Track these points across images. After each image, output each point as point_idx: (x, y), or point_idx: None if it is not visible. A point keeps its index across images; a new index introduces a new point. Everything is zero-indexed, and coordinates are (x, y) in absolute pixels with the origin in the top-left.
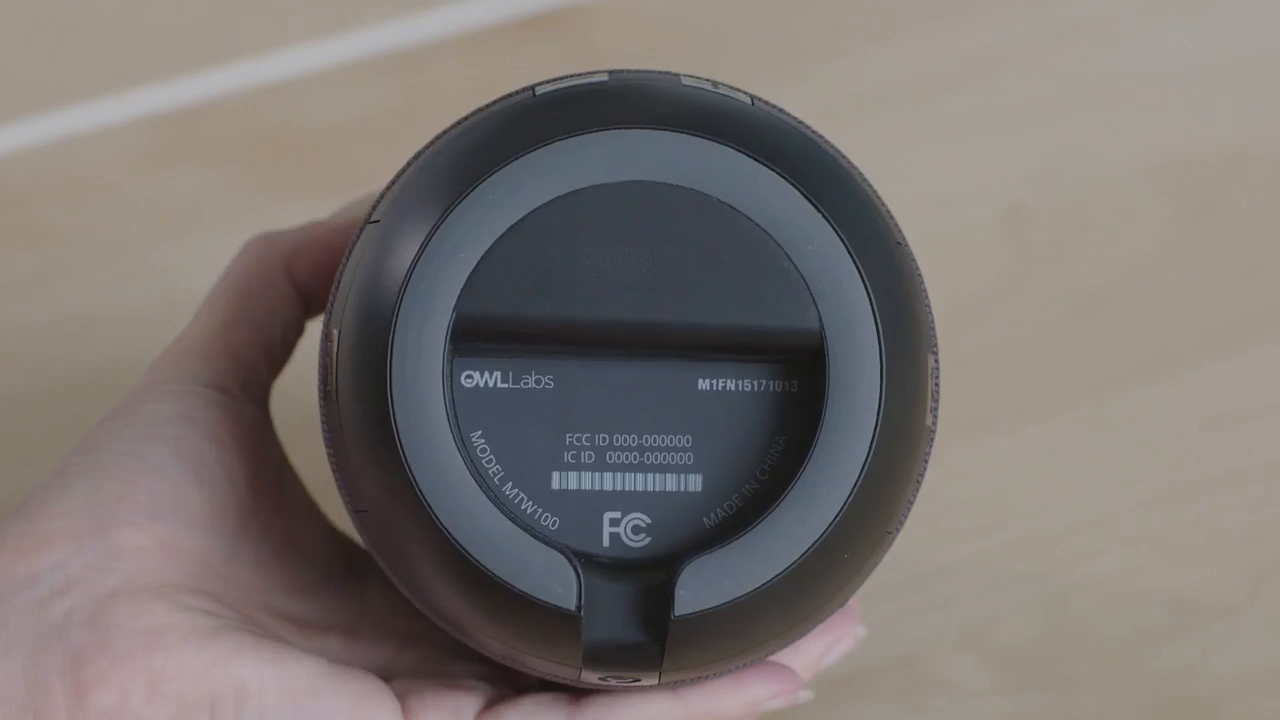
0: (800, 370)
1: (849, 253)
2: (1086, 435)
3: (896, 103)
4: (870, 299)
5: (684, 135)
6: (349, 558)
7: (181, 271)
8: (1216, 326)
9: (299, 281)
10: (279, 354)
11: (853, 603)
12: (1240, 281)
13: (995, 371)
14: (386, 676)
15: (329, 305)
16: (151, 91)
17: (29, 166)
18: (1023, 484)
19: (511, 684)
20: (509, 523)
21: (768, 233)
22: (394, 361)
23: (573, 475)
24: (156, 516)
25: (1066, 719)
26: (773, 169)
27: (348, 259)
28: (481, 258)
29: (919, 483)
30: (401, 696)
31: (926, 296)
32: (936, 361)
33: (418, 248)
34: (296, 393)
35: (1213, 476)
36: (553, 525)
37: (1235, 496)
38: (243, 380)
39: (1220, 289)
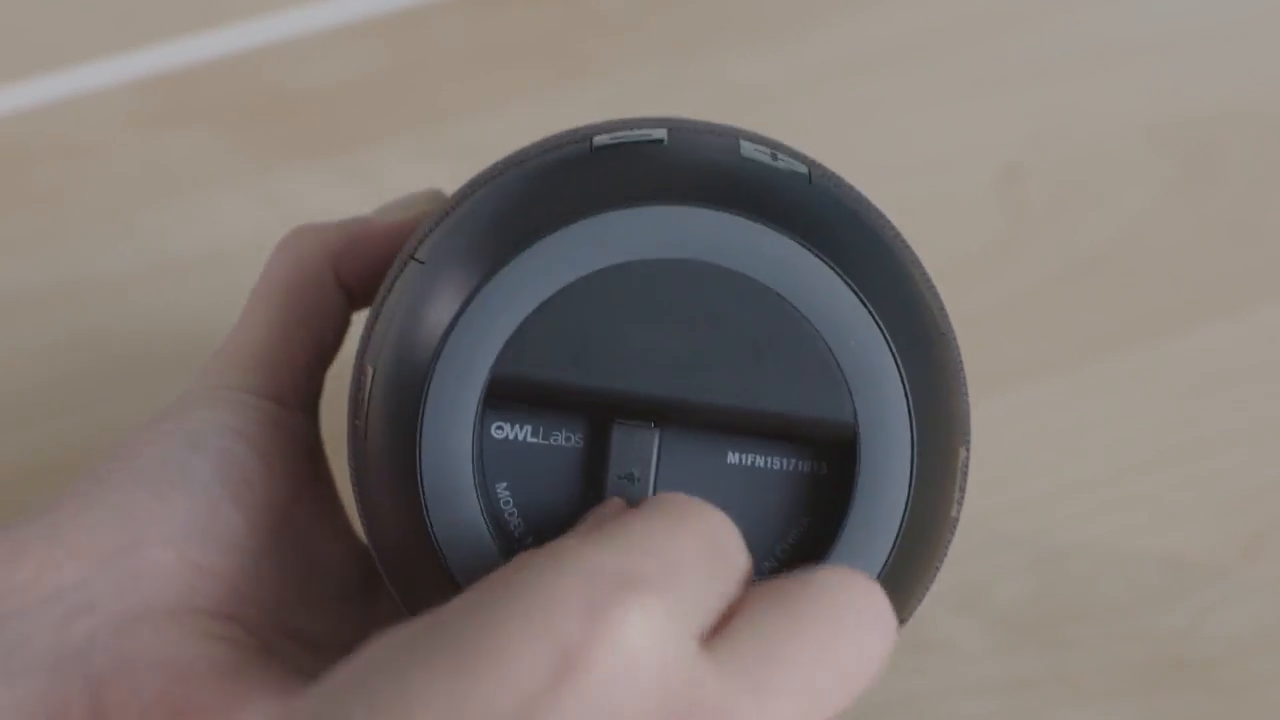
0: (831, 453)
1: (890, 348)
2: (1082, 396)
3: (893, 64)
4: (907, 395)
5: (735, 217)
6: (367, 574)
7: (174, 233)
8: (1211, 287)
9: (344, 280)
10: (329, 358)
11: None
12: (1235, 242)
13: (990, 333)
14: None
15: (366, 334)
16: (144, 53)
17: (21, 128)
18: (1019, 446)
19: None
20: None
21: (810, 321)
22: (426, 415)
23: None
24: (188, 536)
25: (1063, 680)
26: (822, 258)
27: (388, 292)
28: (523, 321)
29: (937, 571)
30: None
31: (965, 387)
32: (968, 451)
33: (461, 302)
34: (332, 394)
35: (1208, 437)
36: None
37: (1231, 458)
38: (300, 390)
39: (1215, 250)
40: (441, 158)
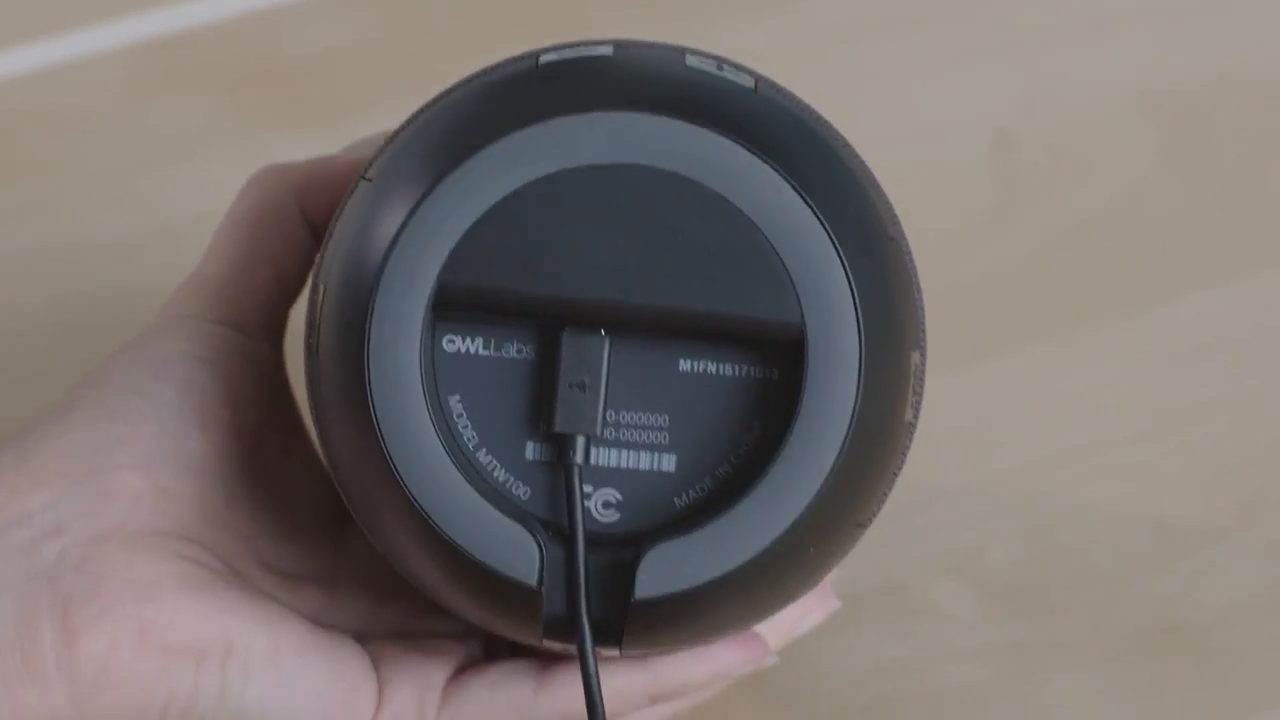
0: (782, 359)
1: (835, 248)
2: (1073, 363)
3: (884, 32)
4: (853, 295)
5: (679, 122)
6: (337, 503)
7: (167, 200)
8: (1202, 254)
9: (310, 217)
10: (294, 290)
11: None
12: (1226, 209)
13: (983, 299)
14: (363, 633)
15: (319, 258)
16: (137, 20)
17: (14, 96)
18: (1010, 412)
19: (484, 643)
20: (474, 493)
21: (755, 224)
22: (373, 324)
23: (547, 447)
24: (155, 461)
25: (1054, 646)
26: (765, 160)
27: (340, 214)
28: (469, 229)
29: (895, 476)
30: (376, 660)
31: (918, 290)
32: (922, 356)
33: (406, 213)
34: (300, 330)
35: (1200, 404)
36: (524, 495)
37: (1222, 424)
38: (262, 319)
39: (1206, 217)
40: None
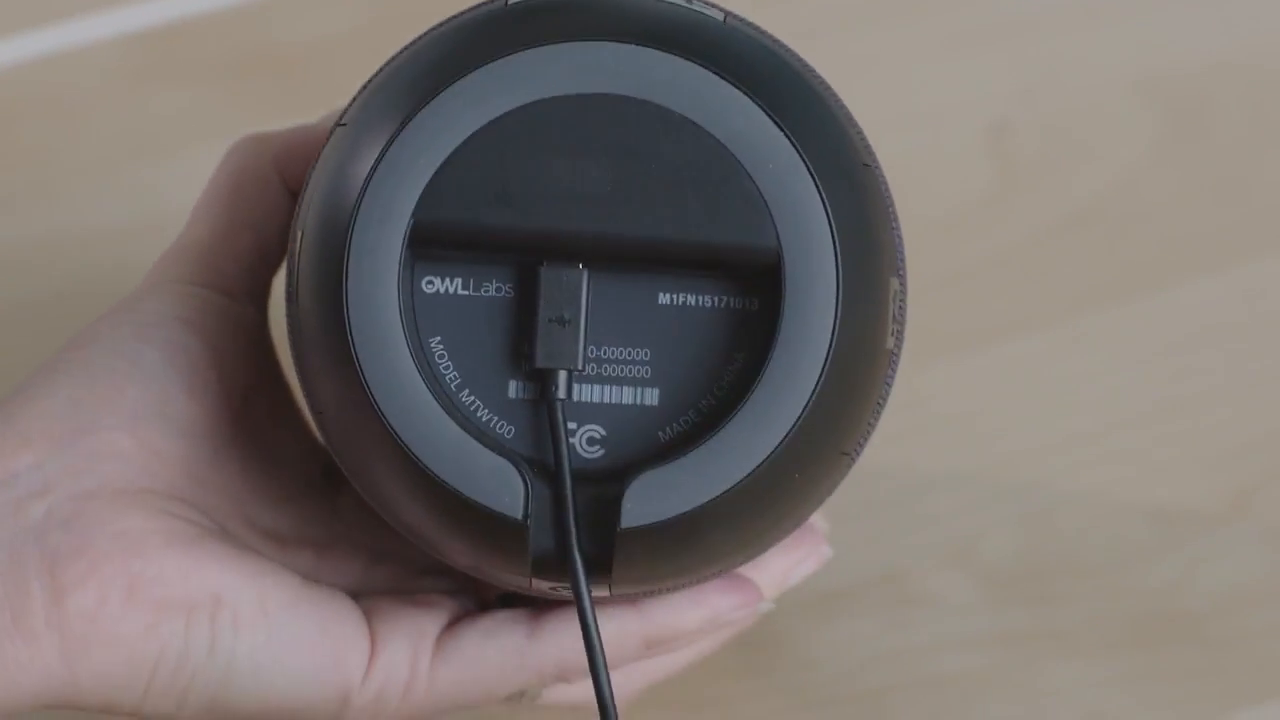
0: (760, 289)
1: (810, 173)
2: (1070, 351)
3: (881, 18)
4: (829, 220)
5: (649, 50)
6: (327, 466)
7: (160, 189)
8: (1200, 242)
9: (290, 184)
10: (275, 256)
11: (819, 524)
12: (1223, 196)
13: (979, 287)
14: (356, 593)
15: (297, 206)
16: (132, 8)
17: (7, 84)
18: (1007, 400)
19: (477, 599)
20: (459, 429)
21: (729, 150)
22: (350, 264)
23: (530, 385)
24: (142, 421)
25: (1051, 635)
26: (737, 86)
27: (316, 162)
28: (441, 165)
29: (880, 405)
30: (368, 614)
31: (895, 219)
32: (902, 284)
33: (378, 153)
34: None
35: (1197, 392)
36: (508, 434)
37: (1220, 412)
38: (246, 283)
39: (1203, 204)
40: None
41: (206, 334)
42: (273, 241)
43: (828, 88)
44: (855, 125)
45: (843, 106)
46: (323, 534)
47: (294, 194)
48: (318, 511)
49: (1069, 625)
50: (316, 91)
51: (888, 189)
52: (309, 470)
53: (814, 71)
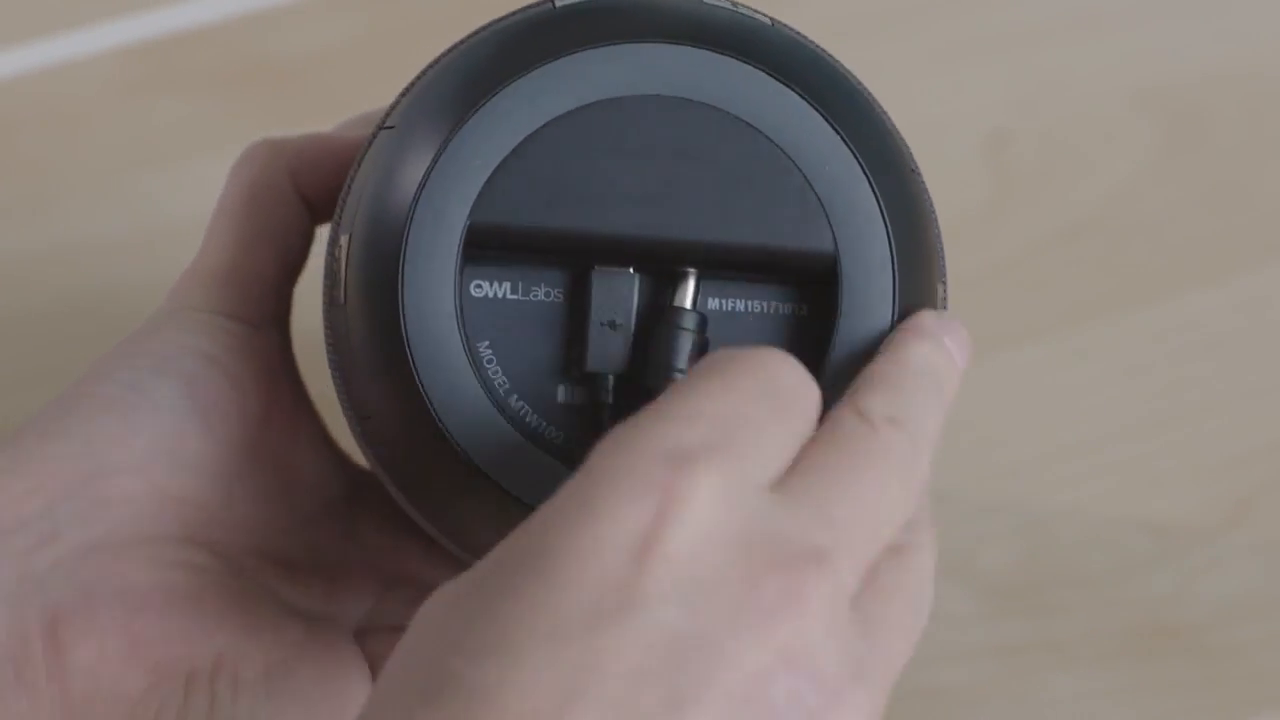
0: (810, 295)
1: (866, 177)
2: (1067, 362)
3: (879, 29)
4: (886, 223)
5: (705, 51)
6: (347, 486)
7: (161, 200)
8: (1197, 252)
9: (306, 194)
10: (296, 269)
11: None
12: (1221, 206)
13: (977, 297)
14: (367, 625)
15: (338, 211)
16: (130, 20)
17: (8, 95)
18: (1004, 410)
19: None
20: (515, 432)
21: (786, 153)
22: (406, 268)
23: (579, 389)
24: (155, 462)
25: (1050, 646)
26: (794, 89)
27: (359, 165)
28: (497, 167)
29: None
30: (374, 661)
31: (938, 225)
32: (945, 291)
33: (433, 155)
34: (303, 306)
35: (1194, 403)
36: (558, 438)
37: (1216, 423)
38: (268, 306)
39: (1201, 214)
40: None
41: (227, 366)
42: (293, 253)
43: (870, 92)
44: (898, 130)
45: (886, 112)
46: (336, 560)
47: (309, 204)
48: (333, 534)
49: (1067, 636)
50: (315, 102)
51: (929, 195)
52: (326, 490)
53: (855, 76)
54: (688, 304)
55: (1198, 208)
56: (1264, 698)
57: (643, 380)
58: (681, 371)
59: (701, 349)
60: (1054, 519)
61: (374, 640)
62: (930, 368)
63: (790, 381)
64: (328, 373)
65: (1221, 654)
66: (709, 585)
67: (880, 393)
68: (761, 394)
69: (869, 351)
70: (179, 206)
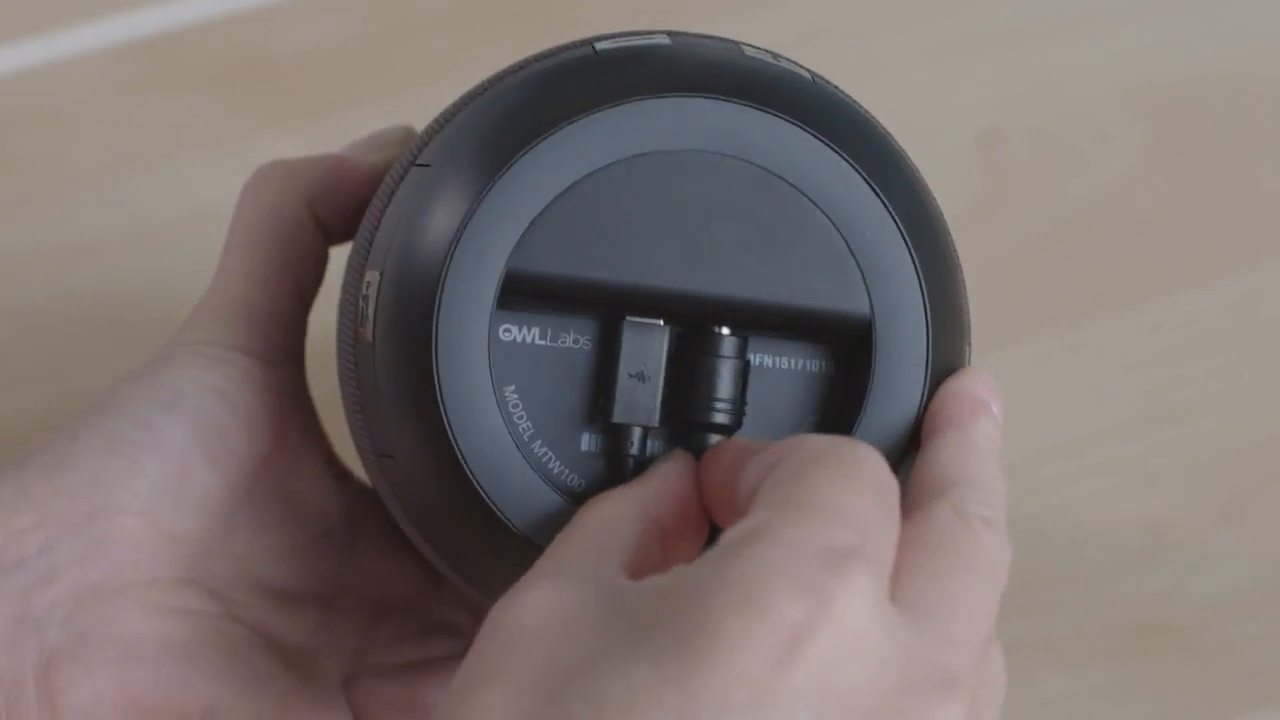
0: (840, 354)
1: (905, 240)
2: (1060, 360)
3: (870, 28)
4: (921, 287)
5: (748, 108)
6: (347, 509)
7: (152, 199)
8: (1189, 250)
9: (321, 219)
10: (311, 297)
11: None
12: (1213, 204)
13: (970, 296)
14: (358, 653)
15: (366, 246)
16: (121, 19)
17: None
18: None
19: None
20: (538, 479)
21: (824, 212)
22: (441, 312)
23: (603, 438)
24: (158, 501)
25: (1043, 644)
26: (834, 149)
27: (390, 200)
28: (537, 216)
29: None
30: (362, 711)
31: (964, 284)
32: (970, 350)
33: (473, 199)
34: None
35: (1187, 401)
36: (579, 487)
37: (1209, 421)
38: (284, 339)
39: (1194, 212)
40: (420, 122)
41: (238, 404)
42: (309, 283)
43: (903, 149)
44: (930, 190)
45: (917, 168)
46: (331, 586)
47: (325, 230)
48: (331, 560)
49: (1059, 634)
50: (309, 101)
51: (957, 251)
52: (329, 516)
53: (888, 132)
54: (726, 331)
55: (1190, 206)
56: (1255, 695)
57: (687, 413)
58: (724, 401)
59: (743, 378)
60: (1047, 517)
61: (361, 690)
62: (994, 447)
63: (888, 478)
64: (328, 374)
65: (1213, 652)
66: (843, 696)
67: (973, 490)
68: (877, 493)
69: (902, 416)
70: (170, 205)
